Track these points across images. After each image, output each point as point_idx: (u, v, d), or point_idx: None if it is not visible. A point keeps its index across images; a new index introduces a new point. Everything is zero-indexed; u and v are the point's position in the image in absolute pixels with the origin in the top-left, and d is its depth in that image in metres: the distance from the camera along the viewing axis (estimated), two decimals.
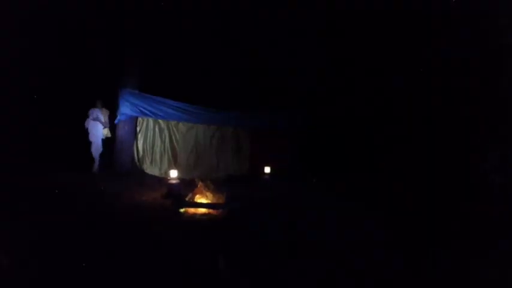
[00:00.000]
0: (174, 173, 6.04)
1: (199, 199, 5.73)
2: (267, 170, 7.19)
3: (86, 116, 7.45)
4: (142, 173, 7.57)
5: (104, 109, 7.61)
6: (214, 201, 5.69)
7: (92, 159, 7.52)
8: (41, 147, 7.38)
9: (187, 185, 6.16)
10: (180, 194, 5.81)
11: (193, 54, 8.77)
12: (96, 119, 7.44)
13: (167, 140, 7.93)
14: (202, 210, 5.41)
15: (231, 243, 4.04)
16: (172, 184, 5.98)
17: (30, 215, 4.51)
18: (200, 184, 5.92)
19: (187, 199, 5.68)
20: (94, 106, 7.54)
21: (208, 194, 5.79)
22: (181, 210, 5.37)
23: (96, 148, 7.47)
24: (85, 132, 7.47)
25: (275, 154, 8.45)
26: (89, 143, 7.45)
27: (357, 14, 8.21)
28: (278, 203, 5.99)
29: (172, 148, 7.97)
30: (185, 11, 8.10)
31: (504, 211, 5.52)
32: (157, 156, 7.84)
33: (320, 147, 8.77)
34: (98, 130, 7.48)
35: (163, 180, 6.88)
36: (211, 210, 5.38)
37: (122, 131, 7.64)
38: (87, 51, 7.99)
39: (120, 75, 7.61)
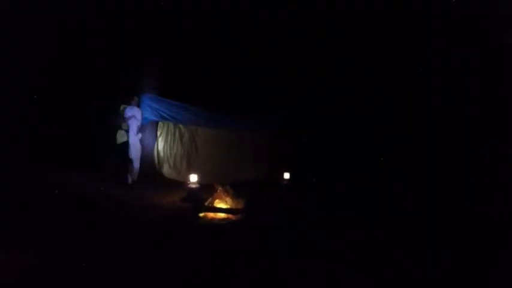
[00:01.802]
0: (194, 178, 6.05)
1: (219, 204, 5.76)
2: (287, 175, 7.11)
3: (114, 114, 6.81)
4: (162, 176, 7.59)
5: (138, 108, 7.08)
6: (234, 206, 5.71)
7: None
8: (53, 147, 7.30)
9: (206, 189, 6.19)
10: (200, 198, 5.83)
11: (210, 58, 8.76)
12: (134, 118, 6.74)
13: (187, 144, 7.96)
14: (222, 215, 5.44)
15: (245, 246, 4.07)
16: (192, 188, 5.98)
17: (47, 215, 4.54)
18: (220, 189, 5.94)
19: (206, 204, 5.69)
20: (128, 103, 6.82)
21: (227, 199, 5.81)
22: (201, 214, 5.39)
23: (135, 151, 6.72)
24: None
25: (290, 156, 8.48)
26: (118, 147, 6.80)
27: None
28: (294, 207, 5.98)
29: (192, 152, 7.99)
30: (203, 13, 8.10)
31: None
32: (177, 160, 7.87)
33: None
34: (134, 131, 6.73)
35: (182, 184, 6.88)
36: (230, 215, 5.41)
37: (143, 134, 7.55)
38: (104, 54, 7.90)
39: (139, 80, 7.59)
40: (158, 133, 7.87)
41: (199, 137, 8.09)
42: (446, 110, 7.39)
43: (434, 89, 7.58)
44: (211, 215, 5.41)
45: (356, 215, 5.48)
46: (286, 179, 7.12)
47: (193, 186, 6.00)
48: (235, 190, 6.03)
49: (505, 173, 6.53)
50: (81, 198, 5.67)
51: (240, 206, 5.70)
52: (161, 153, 7.82)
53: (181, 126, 7.98)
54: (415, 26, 7.57)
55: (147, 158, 7.61)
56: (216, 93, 8.64)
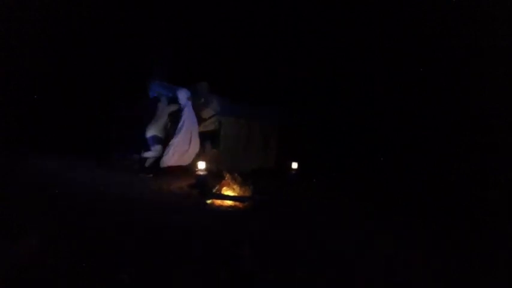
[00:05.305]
0: (202, 165, 6.07)
1: (226, 191, 5.83)
2: (295, 165, 7.15)
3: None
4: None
5: None
6: (241, 193, 5.78)
7: None
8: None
9: (214, 176, 6.23)
10: (207, 185, 5.88)
11: (220, 46, 8.72)
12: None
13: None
14: (229, 202, 5.50)
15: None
16: (199, 175, 5.99)
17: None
18: (227, 176, 6.00)
19: (214, 190, 5.75)
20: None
21: (235, 186, 5.87)
22: (208, 201, 5.44)
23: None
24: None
25: (301, 149, 8.46)
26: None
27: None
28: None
29: (201, 140, 7.86)
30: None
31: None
32: None
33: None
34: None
35: (191, 171, 6.81)
36: (237, 203, 5.46)
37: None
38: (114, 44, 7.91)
39: (148, 67, 7.60)
40: None
41: (208, 124, 7.89)
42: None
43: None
44: (218, 202, 5.48)
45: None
46: (294, 169, 7.13)
47: (201, 173, 6.01)
48: (243, 178, 6.08)
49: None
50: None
51: (247, 193, 5.76)
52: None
53: None
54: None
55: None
56: (223, 83, 8.60)
